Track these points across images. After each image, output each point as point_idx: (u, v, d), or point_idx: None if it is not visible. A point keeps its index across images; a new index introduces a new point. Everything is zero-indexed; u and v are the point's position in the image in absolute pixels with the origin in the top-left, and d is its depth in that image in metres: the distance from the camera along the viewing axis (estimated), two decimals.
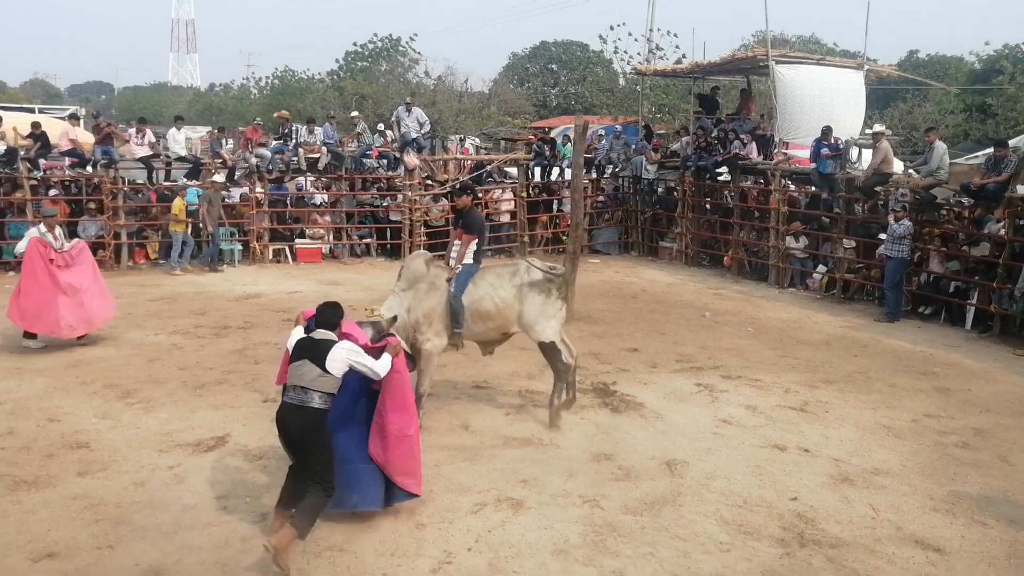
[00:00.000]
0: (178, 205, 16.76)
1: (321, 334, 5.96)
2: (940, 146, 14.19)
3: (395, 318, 7.51)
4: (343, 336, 6.10)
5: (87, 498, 6.68)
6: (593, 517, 6.58)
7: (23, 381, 9.52)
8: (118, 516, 6.39)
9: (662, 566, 5.88)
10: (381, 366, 6.00)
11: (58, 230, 11.09)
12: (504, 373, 10.01)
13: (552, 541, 6.18)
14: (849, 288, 15.51)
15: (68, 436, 7.94)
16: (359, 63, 46.24)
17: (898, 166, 15.60)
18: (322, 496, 5.83)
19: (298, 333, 6.12)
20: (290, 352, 6.02)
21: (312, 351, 5.86)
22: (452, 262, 8.70)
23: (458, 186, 9.60)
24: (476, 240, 8.67)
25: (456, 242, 8.78)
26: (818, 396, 9.73)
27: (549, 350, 8.81)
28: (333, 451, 5.98)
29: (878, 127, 15.67)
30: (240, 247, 17.74)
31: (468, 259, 8.63)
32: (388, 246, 18.90)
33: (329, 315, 6.07)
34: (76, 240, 11.47)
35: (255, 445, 7.79)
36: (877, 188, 15.05)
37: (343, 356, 5.86)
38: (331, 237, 18.74)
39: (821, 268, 16.44)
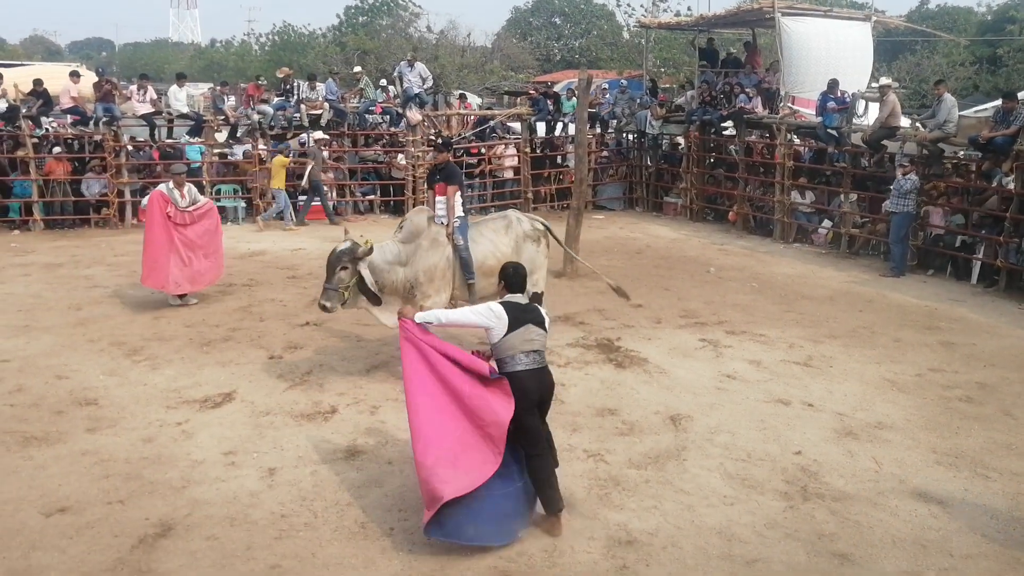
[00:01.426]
0: (280, 162, 17.03)
1: (521, 298, 5.76)
2: (948, 99, 14.03)
3: (370, 249, 7.74)
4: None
5: (96, 454, 6.75)
6: (597, 471, 6.63)
7: (31, 339, 9.57)
8: (127, 471, 6.46)
9: (666, 519, 5.94)
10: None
11: (187, 188, 11.06)
12: None
13: None
14: (855, 243, 15.46)
15: (76, 393, 8.00)
16: (360, 18, 45.71)
17: (905, 120, 15.47)
18: (543, 455, 5.70)
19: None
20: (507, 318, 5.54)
21: (532, 315, 5.65)
22: (443, 220, 8.64)
23: (439, 143, 9.57)
24: (459, 191, 8.72)
25: (440, 198, 8.71)
26: (822, 351, 9.74)
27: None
28: None
29: (885, 80, 15.47)
30: (243, 204, 17.70)
31: (459, 211, 8.68)
32: (391, 202, 18.84)
33: (520, 279, 5.80)
34: (205, 200, 11.42)
35: (262, 401, 7.84)
36: (884, 142, 14.93)
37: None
38: (334, 194, 18.67)
39: (826, 223, 16.38)
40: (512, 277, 5.78)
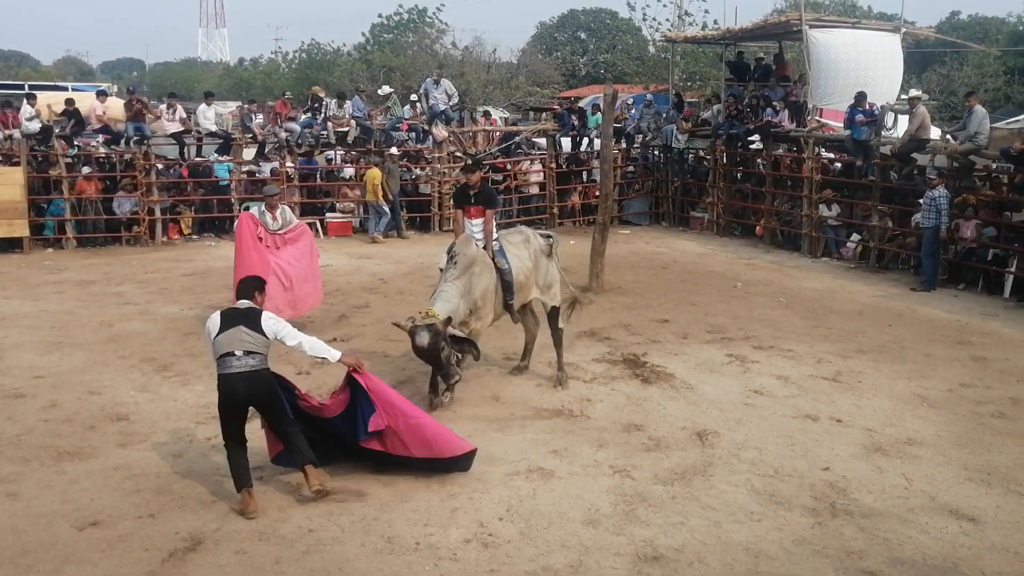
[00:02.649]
0: (375, 176, 17.47)
1: (245, 304, 6.38)
2: (980, 111, 13.92)
3: (449, 319, 7.60)
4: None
5: (128, 468, 6.84)
6: (624, 487, 6.62)
7: (64, 355, 9.72)
8: (158, 486, 6.54)
9: (693, 535, 5.91)
10: (311, 344, 6.34)
11: (280, 211, 10.64)
12: (535, 345, 10.04)
13: (583, 511, 6.23)
14: (884, 257, 15.33)
15: (108, 408, 8.11)
16: (386, 35, 46.07)
17: (935, 132, 15.35)
18: (291, 424, 6.41)
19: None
20: (216, 328, 6.22)
21: (244, 319, 6.22)
22: (480, 240, 8.53)
23: (469, 162, 9.49)
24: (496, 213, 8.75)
25: (476, 220, 8.62)
26: (851, 366, 9.67)
27: (555, 315, 9.04)
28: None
29: (915, 92, 15.36)
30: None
31: (495, 233, 8.67)
32: (417, 219, 18.93)
33: (249, 286, 6.53)
34: (297, 223, 10.97)
35: None
36: (913, 155, 14.82)
37: (272, 324, 6.27)
38: (361, 211, 18.81)
39: (855, 237, 16.26)
40: (242, 284, 6.64)
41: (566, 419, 8.00)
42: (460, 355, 7.99)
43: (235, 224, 10.65)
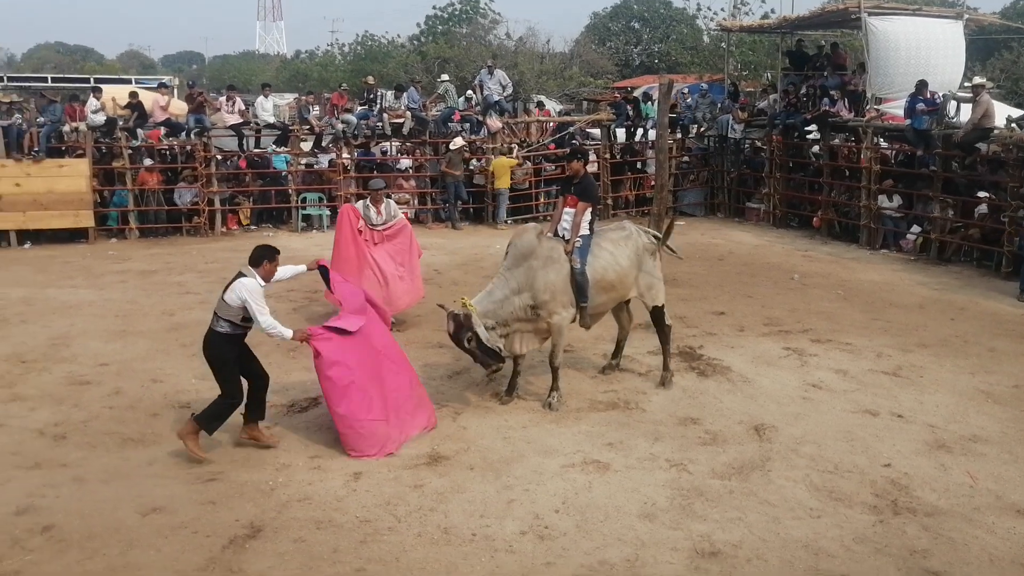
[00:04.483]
0: (504, 163, 17.97)
1: (243, 269, 6.78)
2: None
3: (469, 316, 7.60)
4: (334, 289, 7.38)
5: (189, 456, 6.96)
6: (680, 481, 6.58)
7: (127, 343, 9.94)
8: (218, 474, 6.66)
9: (751, 531, 5.85)
10: (267, 322, 6.72)
11: (385, 205, 10.47)
12: (589, 337, 9.98)
13: (639, 504, 6.21)
14: (946, 249, 14.98)
15: (170, 396, 8.28)
16: (440, 27, 46.17)
17: (1000, 120, 14.92)
18: (224, 401, 6.86)
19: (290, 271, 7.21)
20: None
21: (227, 283, 6.75)
22: (566, 233, 8.19)
23: (568, 151, 9.27)
24: (590, 208, 8.27)
25: (567, 210, 8.29)
26: (912, 360, 9.47)
27: (659, 314, 8.72)
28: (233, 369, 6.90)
29: (978, 80, 14.94)
30: (328, 212, 18.05)
31: (584, 229, 8.18)
32: (471, 210, 18.97)
33: (256, 253, 6.85)
34: (398, 218, 10.67)
35: None
36: (977, 144, 14.44)
37: (239, 291, 6.62)
38: (416, 202, 18.91)
39: (915, 228, 15.90)
40: (252, 252, 6.93)
41: (621, 412, 7.97)
42: (500, 347, 7.84)
43: (338, 217, 10.65)
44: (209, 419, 6.86)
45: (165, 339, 10.11)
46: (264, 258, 6.83)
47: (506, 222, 18.19)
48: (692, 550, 5.61)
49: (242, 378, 7.01)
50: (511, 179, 18.32)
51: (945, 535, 5.82)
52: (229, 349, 6.84)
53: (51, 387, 8.49)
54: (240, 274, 6.72)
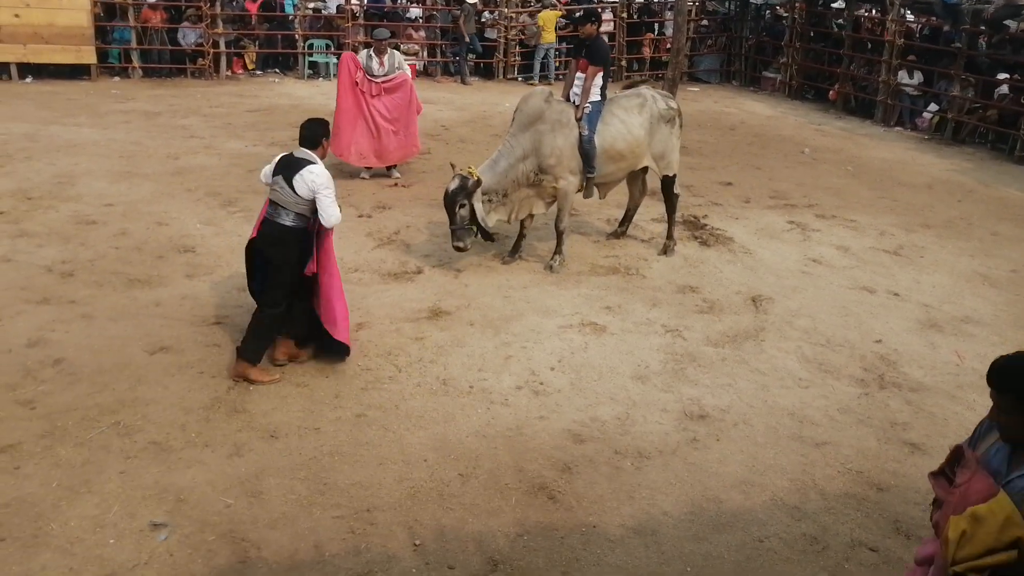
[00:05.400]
0: (551, 16, 17.61)
1: (302, 152, 5.86)
2: None
3: (479, 180, 7.46)
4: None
5: (195, 299, 7.10)
6: (674, 346, 6.72)
7: (133, 185, 9.93)
8: (222, 317, 6.80)
9: (739, 397, 6.03)
10: (338, 216, 5.79)
11: (388, 56, 10.24)
12: (593, 202, 10.00)
13: (633, 366, 6.37)
14: (961, 130, 14.75)
15: (176, 240, 8.34)
16: None
17: None
18: (264, 314, 5.94)
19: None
20: (271, 172, 5.92)
21: (289, 169, 5.75)
22: (576, 98, 7.95)
23: (581, 13, 8.88)
24: (601, 72, 8.00)
25: (579, 74, 8.06)
26: (914, 240, 9.51)
27: (669, 183, 8.61)
28: (295, 269, 5.90)
29: None
30: (335, 60, 17.66)
31: (595, 95, 7.92)
32: (481, 65, 18.56)
33: (312, 131, 5.92)
34: (400, 71, 10.36)
35: (351, 258, 8.05)
36: (1006, 22, 13.99)
37: (311, 182, 5.66)
38: (425, 54, 18.48)
39: (932, 107, 15.61)
40: (302, 130, 5.93)
41: (622, 277, 8.06)
42: (474, 226, 7.66)
43: (338, 65, 10.34)
44: (255, 345, 5.93)
45: (169, 182, 10.10)
46: (323, 136, 5.98)
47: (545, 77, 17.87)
48: (681, 412, 5.80)
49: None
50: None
51: (926, 410, 6.00)
52: (295, 248, 5.86)
53: (57, 225, 8.53)
54: (302, 161, 5.77)
